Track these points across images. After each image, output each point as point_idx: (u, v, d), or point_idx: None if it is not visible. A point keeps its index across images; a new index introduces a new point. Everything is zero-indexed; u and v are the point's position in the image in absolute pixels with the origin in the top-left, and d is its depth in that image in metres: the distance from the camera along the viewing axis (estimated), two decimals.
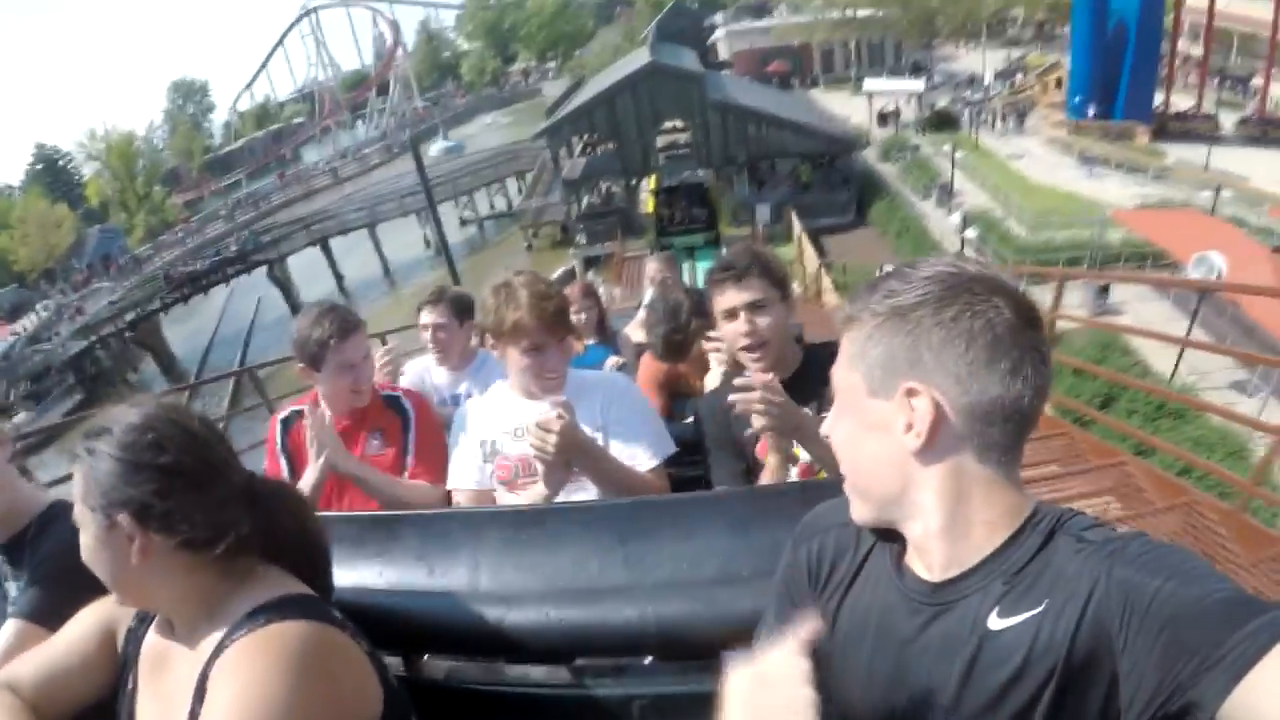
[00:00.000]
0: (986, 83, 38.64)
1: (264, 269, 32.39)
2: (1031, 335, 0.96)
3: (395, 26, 72.95)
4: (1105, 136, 27.98)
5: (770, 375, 1.97)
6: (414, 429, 2.58)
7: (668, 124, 25.86)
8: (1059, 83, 32.71)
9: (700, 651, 1.46)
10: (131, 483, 1.19)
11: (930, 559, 1.00)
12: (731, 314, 2.20)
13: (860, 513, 1.08)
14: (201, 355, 30.95)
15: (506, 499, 2.23)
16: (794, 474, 2.18)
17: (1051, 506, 1.00)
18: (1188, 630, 0.77)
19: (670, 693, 1.48)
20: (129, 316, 31.69)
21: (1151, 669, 0.78)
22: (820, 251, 20.54)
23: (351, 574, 1.53)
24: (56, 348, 30.30)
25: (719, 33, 47.94)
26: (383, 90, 70.04)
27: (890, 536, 1.09)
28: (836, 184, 25.76)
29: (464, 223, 36.16)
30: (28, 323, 35.98)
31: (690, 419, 2.73)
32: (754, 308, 2.18)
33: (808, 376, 2.21)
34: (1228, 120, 29.45)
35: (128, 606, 1.30)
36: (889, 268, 1.11)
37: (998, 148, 29.62)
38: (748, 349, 2.20)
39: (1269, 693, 0.71)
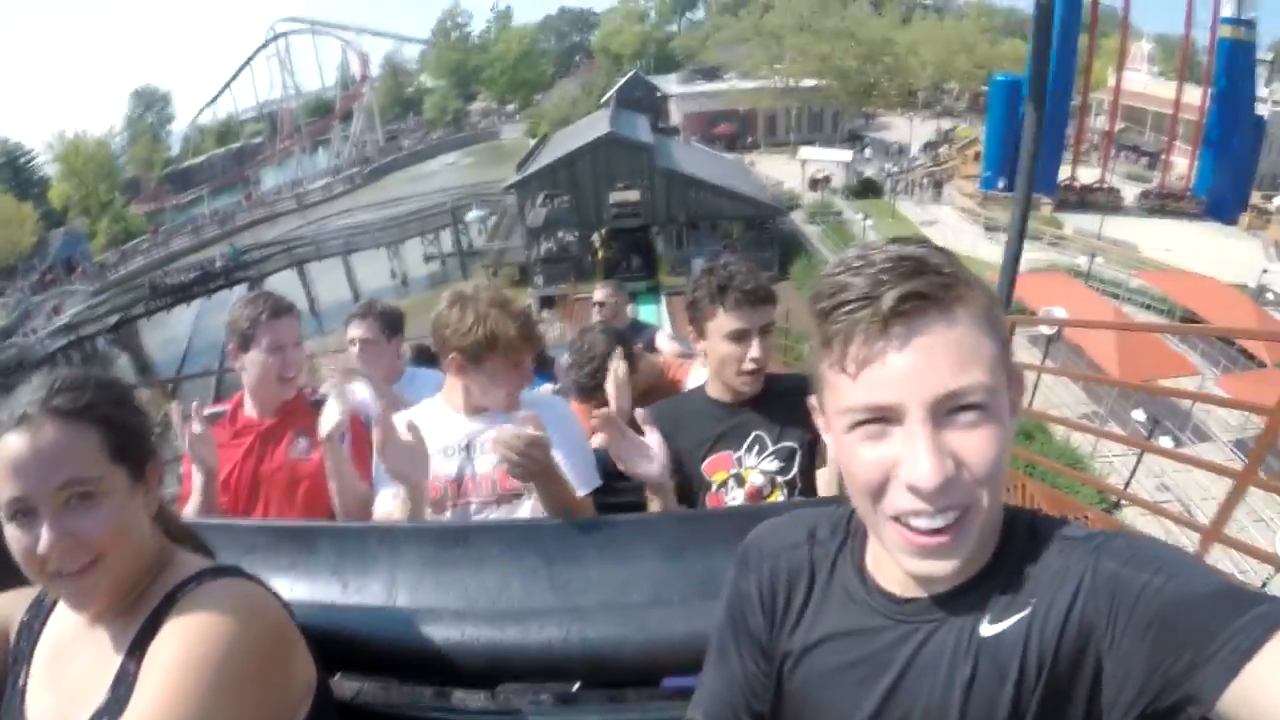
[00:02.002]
0: (912, 154, 43.37)
1: (244, 285, 35.13)
2: None
3: (365, 60, 75.62)
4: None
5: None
6: (349, 441, 2.40)
7: (620, 185, 30.15)
8: (977, 156, 34.69)
9: (629, 678, 1.43)
10: (149, 428, 1.23)
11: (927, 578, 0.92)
12: (743, 335, 2.15)
13: (965, 560, 0.88)
14: (180, 360, 33.56)
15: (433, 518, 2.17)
16: (740, 497, 2.20)
17: (1019, 508, 0.98)
18: (1178, 624, 0.76)
19: None
20: (113, 319, 34.15)
21: (1140, 665, 0.77)
22: None
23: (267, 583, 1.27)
24: (35, 344, 32.17)
25: (672, 96, 52.50)
26: (345, 119, 71.99)
27: (850, 554, 1.04)
28: (764, 243, 29.80)
29: (428, 259, 39.76)
30: None
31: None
32: (765, 332, 2.18)
33: (769, 402, 2.21)
34: (1131, 192, 33.65)
35: (85, 601, 1.16)
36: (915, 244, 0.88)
37: (914, 214, 33.50)
38: (750, 373, 2.17)
39: (1267, 685, 0.69)
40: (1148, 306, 21.80)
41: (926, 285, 0.83)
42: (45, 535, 1.08)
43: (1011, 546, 0.92)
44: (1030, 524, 0.94)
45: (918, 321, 0.82)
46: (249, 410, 2.62)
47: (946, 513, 0.84)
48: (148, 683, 1.04)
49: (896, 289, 0.82)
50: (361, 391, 3.09)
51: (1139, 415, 14.50)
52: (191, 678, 1.02)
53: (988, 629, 0.89)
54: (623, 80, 53.17)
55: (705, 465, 2.24)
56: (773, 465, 2.20)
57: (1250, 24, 31.52)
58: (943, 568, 0.87)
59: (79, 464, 1.11)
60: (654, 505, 2.07)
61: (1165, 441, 13.22)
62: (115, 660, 1.13)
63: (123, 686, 1.10)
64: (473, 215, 34.84)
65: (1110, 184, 34.38)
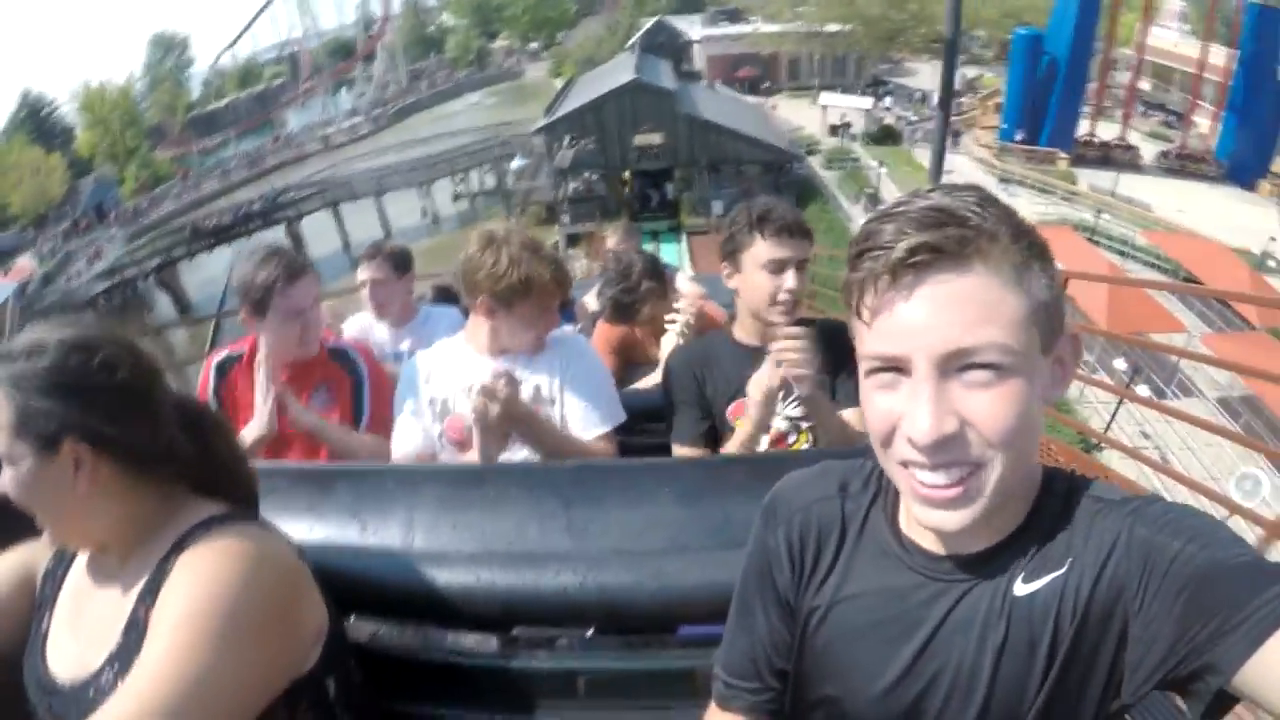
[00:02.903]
0: (933, 103, 42.90)
1: (282, 226, 37.20)
2: None
3: (387, 5, 76.24)
4: (1029, 160, 31.75)
5: (803, 330, 1.94)
6: (368, 391, 2.54)
7: (644, 128, 31.68)
8: (998, 108, 36.08)
9: (645, 625, 1.48)
10: (81, 406, 1.17)
11: (965, 536, 0.92)
12: (779, 266, 2.14)
13: (984, 517, 0.88)
14: (220, 298, 34.64)
15: (459, 461, 2.20)
16: (764, 443, 2.18)
17: (1058, 469, 0.97)
18: (1207, 593, 0.76)
19: (618, 668, 1.46)
20: (154, 262, 36.19)
21: (1167, 631, 0.78)
22: None
23: (279, 528, 1.32)
24: (79, 287, 33.95)
25: (696, 42, 53.00)
26: (367, 59, 72.78)
27: (884, 509, 1.03)
28: (781, 187, 30.59)
29: (456, 198, 41.57)
30: (25, 264, 39.14)
31: (636, 385, 3.04)
32: (801, 266, 2.16)
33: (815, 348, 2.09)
34: (1152, 151, 33.45)
35: (60, 544, 1.29)
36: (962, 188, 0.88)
37: (928, 161, 34.43)
38: (784, 305, 2.16)
39: None
40: (1152, 265, 22.26)
41: (941, 238, 0.82)
42: None
43: (1048, 507, 0.93)
44: (1069, 485, 0.94)
45: (927, 274, 0.82)
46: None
47: (950, 469, 0.84)
48: (155, 635, 1.08)
49: (910, 240, 0.82)
50: (380, 332, 3.35)
51: (1120, 364, 14.92)
52: (198, 629, 1.05)
53: (1021, 588, 0.89)
54: (647, 26, 53.91)
55: (730, 409, 2.24)
56: (797, 411, 2.21)
57: None
58: (952, 520, 0.87)
59: None
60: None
61: (1143, 390, 13.54)
62: (127, 606, 1.17)
63: (133, 632, 1.14)
64: (516, 163, 36.15)
65: (1130, 142, 34.17)
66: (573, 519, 1.57)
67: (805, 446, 2.24)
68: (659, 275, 3.39)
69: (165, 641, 1.06)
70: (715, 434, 2.28)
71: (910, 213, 0.84)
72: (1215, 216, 26.16)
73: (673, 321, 2.97)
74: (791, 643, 1.08)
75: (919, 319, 0.83)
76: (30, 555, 1.35)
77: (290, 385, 2.50)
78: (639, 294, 3.31)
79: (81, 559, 1.31)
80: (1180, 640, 0.77)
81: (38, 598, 1.33)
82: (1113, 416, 12.66)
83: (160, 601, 1.12)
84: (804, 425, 2.24)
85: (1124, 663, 0.84)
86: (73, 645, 1.23)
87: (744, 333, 2.33)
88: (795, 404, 2.22)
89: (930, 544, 0.98)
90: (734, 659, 1.14)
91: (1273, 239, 23.83)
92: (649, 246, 5.08)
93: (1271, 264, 23.16)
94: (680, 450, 2.29)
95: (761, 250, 2.16)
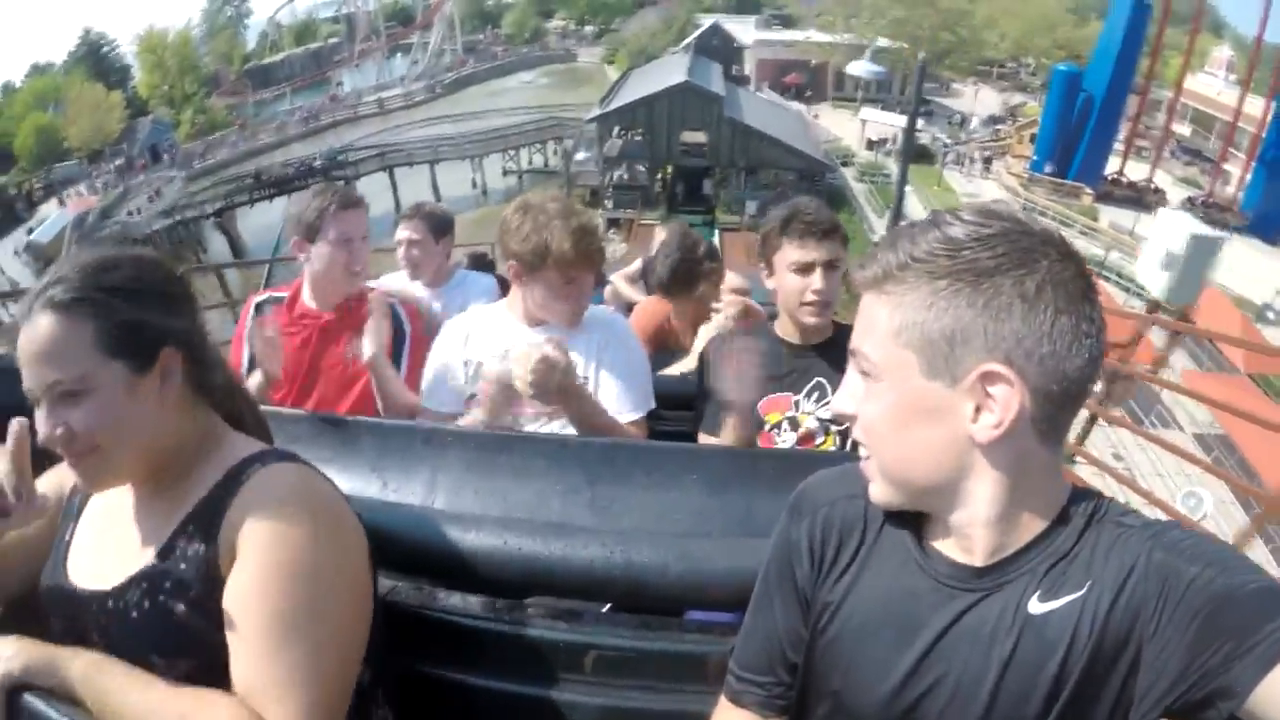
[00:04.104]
0: (973, 126, 44.96)
1: (340, 184, 39.54)
2: (1094, 304, 0.90)
3: None
4: (1055, 192, 33.46)
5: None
6: (408, 346, 2.61)
7: (690, 127, 34.69)
8: (1033, 137, 37.82)
9: (662, 606, 1.51)
10: (173, 313, 1.22)
11: (972, 544, 0.97)
12: (806, 268, 2.21)
13: (887, 498, 1.01)
14: (274, 243, 37.73)
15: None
16: (792, 440, 2.27)
17: (1087, 490, 0.99)
18: (1222, 617, 0.78)
19: (629, 647, 1.44)
20: (217, 204, 38.51)
21: (1180, 655, 0.80)
22: None
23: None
24: (138, 223, 36.03)
25: (747, 47, 55.25)
26: (424, 27, 73.84)
27: (906, 512, 1.04)
28: (813, 193, 30.44)
29: (505, 173, 43.91)
30: (86, 198, 41.44)
31: (666, 371, 3.05)
32: (831, 266, 2.21)
33: (836, 350, 2.20)
34: (1178, 195, 34.73)
35: (114, 483, 1.25)
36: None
37: (960, 185, 35.88)
38: (814, 307, 2.23)
39: None
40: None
41: (859, 267, 0.96)
42: (42, 426, 1.14)
43: (1071, 525, 0.94)
44: (1093, 506, 0.96)
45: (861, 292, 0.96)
46: (308, 300, 2.63)
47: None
48: (264, 592, 1.10)
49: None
50: (415, 292, 3.32)
51: (1096, 386, 15.95)
52: (311, 583, 1.12)
53: (1037, 606, 0.91)
54: (703, 28, 56.20)
55: (763, 404, 2.28)
56: (828, 414, 2.22)
57: None
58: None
59: (64, 362, 1.12)
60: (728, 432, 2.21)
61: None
62: (163, 531, 1.19)
63: (171, 557, 1.16)
64: (581, 155, 37.98)
65: (1158, 185, 35.51)
66: (597, 495, 1.59)
67: (833, 448, 2.26)
68: (717, 260, 3.49)
69: (281, 604, 1.10)
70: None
71: (907, 230, 0.95)
72: (1231, 265, 25.95)
73: (717, 311, 2.93)
74: (804, 639, 1.10)
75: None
76: (61, 472, 1.33)
77: (331, 327, 2.60)
78: (702, 268, 3.38)
79: None
80: (1193, 665, 0.79)
81: (64, 510, 1.33)
82: (1087, 431, 13.39)
83: (246, 551, 1.13)
84: (833, 428, 2.27)
85: (1135, 688, 0.86)
86: (92, 560, 1.25)
87: (784, 330, 2.39)
88: (827, 406, 2.24)
89: (949, 550, 1.00)
90: (748, 653, 1.16)
91: (1279, 291, 25.01)
92: None
93: (1271, 315, 24.44)
94: (709, 439, 2.33)
95: (789, 252, 2.22)
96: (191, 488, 1.22)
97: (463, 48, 75.04)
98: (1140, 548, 0.89)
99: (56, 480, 1.35)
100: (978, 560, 0.97)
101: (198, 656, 1.14)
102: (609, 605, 1.64)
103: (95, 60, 64.53)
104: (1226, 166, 36.53)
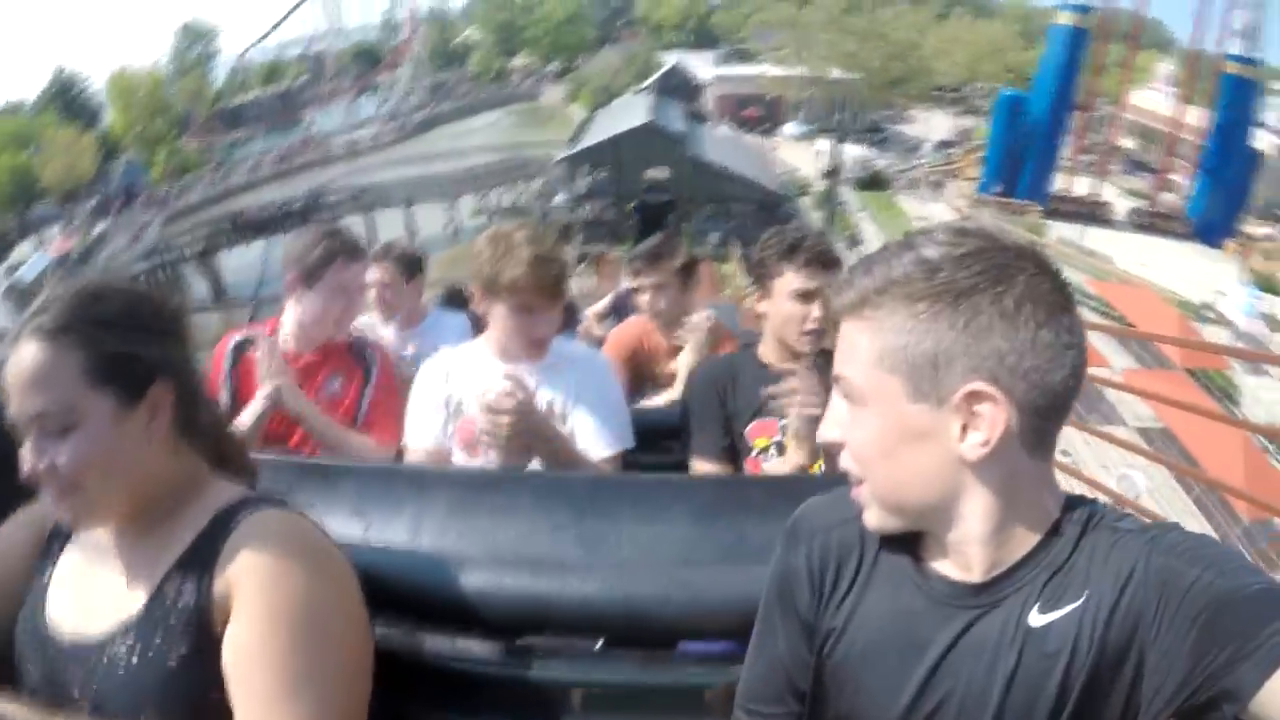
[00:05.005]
0: (925, 151, 46.79)
1: (344, 228, 40.10)
2: (1073, 314, 0.92)
3: (416, 14, 78.62)
4: (1002, 211, 34.01)
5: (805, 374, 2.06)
6: (373, 383, 2.56)
7: (654, 166, 36.94)
8: (982, 160, 39.65)
9: (650, 639, 1.50)
10: (165, 345, 1.19)
11: (968, 561, 0.98)
12: (809, 295, 2.25)
13: (883, 523, 1.02)
14: (255, 285, 36.50)
15: (464, 463, 2.23)
16: (780, 466, 2.26)
17: (1080, 497, 1.01)
18: (1223, 620, 0.79)
19: (618, 682, 1.46)
20: (199, 247, 39.23)
21: (1183, 658, 0.81)
22: (748, 270, 30.54)
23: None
24: (124, 266, 36.13)
25: (707, 85, 57.63)
26: (392, 68, 74.95)
27: (902, 535, 1.05)
28: (772, 223, 33.71)
29: (477, 212, 44.65)
30: (63, 241, 41.93)
31: (644, 402, 3.11)
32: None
33: (821, 374, 2.15)
34: (1125, 207, 36.88)
35: (93, 522, 1.21)
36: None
37: (912, 209, 37.12)
38: (812, 334, 2.27)
39: None
40: (1101, 311, 22.99)
41: (836, 293, 1.01)
42: (27, 459, 1.11)
43: (1065, 534, 0.95)
44: (1087, 514, 0.97)
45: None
46: (287, 341, 2.57)
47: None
48: (266, 647, 1.08)
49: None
50: (385, 334, 3.43)
51: None
52: (312, 631, 1.10)
53: (1037, 618, 0.92)
54: (664, 69, 58.25)
55: (750, 429, 2.31)
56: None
57: (1255, 62, 35.95)
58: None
59: (50, 391, 1.09)
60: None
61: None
62: (150, 578, 1.16)
63: (160, 607, 1.13)
64: (559, 199, 39.37)
65: (1104, 198, 37.53)
66: (584, 531, 1.57)
67: (819, 473, 2.24)
68: (692, 269, 3.48)
69: (280, 655, 1.08)
70: (735, 452, 2.34)
71: (879, 252, 0.99)
72: (1175, 271, 28.54)
73: (690, 334, 3.02)
74: (809, 665, 1.10)
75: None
76: (41, 512, 1.28)
77: (310, 367, 2.55)
78: (664, 249, 3.37)
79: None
80: (1196, 669, 0.80)
81: (43, 549, 1.28)
82: None
83: (244, 607, 1.10)
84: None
85: (1139, 694, 0.86)
86: (73, 603, 1.20)
87: (770, 354, 2.41)
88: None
89: (946, 569, 1.00)
90: (754, 684, 1.17)
91: (1220, 293, 26.05)
92: None
93: (1210, 315, 25.25)
94: (700, 465, 2.36)
95: (791, 280, 2.26)
96: (177, 531, 1.19)
97: (430, 87, 75.90)
98: (1138, 552, 0.90)
99: (36, 518, 1.30)
100: (975, 577, 0.98)
101: (192, 713, 1.11)
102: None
103: (67, 100, 64.84)
104: (1172, 176, 38.39)
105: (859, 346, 0.96)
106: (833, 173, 38.96)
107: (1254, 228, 34.38)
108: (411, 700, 1.47)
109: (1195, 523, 9.61)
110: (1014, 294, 0.89)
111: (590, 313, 4.94)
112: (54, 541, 1.30)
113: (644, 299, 3.41)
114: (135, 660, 1.12)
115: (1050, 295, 0.91)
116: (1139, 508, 5.13)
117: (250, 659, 1.09)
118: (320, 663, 1.11)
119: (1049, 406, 0.92)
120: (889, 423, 0.96)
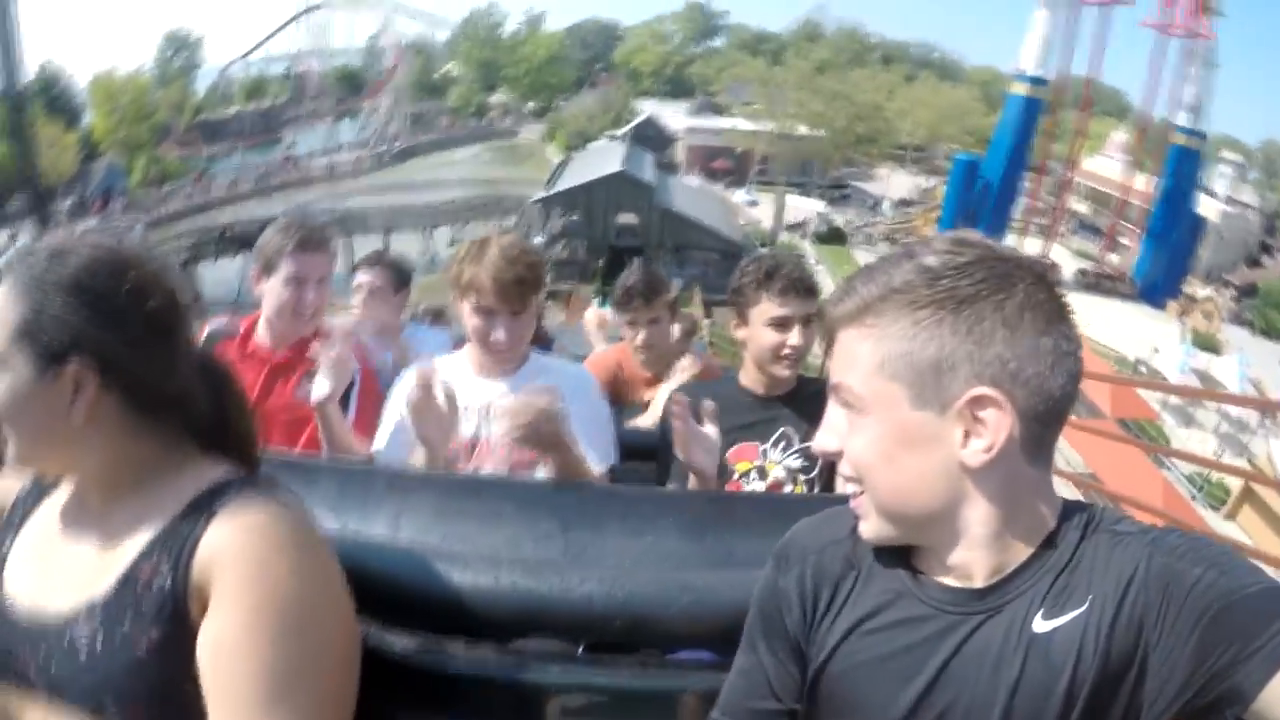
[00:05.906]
0: (884, 209, 49.52)
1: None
2: (1070, 323, 0.94)
3: (400, 44, 79.52)
4: None
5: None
6: (356, 393, 2.48)
7: (624, 212, 39.45)
8: (937, 219, 42.17)
9: (636, 643, 1.50)
10: (100, 324, 1.09)
11: (970, 567, 0.97)
12: (785, 323, 2.28)
13: (881, 533, 1.01)
14: (235, 292, 34.94)
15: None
16: (761, 490, 2.32)
17: (1078, 502, 1.01)
18: (1226, 620, 0.79)
19: (595, 685, 1.44)
20: (184, 256, 40.32)
21: (1186, 659, 0.81)
22: (709, 315, 27.55)
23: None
24: None
25: (679, 138, 60.20)
26: (374, 95, 75.17)
27: (895, 549, 1.04)
28: (734, 270, 37.78)
29: (453, 242, 45.16)
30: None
31: (636, 422, 3.08)
32: (807, 322, 2.28)
33: (801, 400, 2.33)
34: (1071, 268, 38.17)
35: (25, 466, 1.18)
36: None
37: (866, 261, 39.74)
38: (788, 360, 2.31)
39: None
40: None
41: (834, 303, 1.01)
42: None
43: (1065, 539, 0.95)
44: (1086, 518, 0.97)
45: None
46: (262, 337, 2.57)
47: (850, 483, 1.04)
48: (250, 644, 1.03)
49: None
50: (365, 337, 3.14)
51: None
52: (298, 631, 1.06)
53: (1041, 624, 0.91)
54: (639, 120, 60.99)
55: (730, 453, 2.31)
56: (796, 463, 2.33)
57: (1200, 135, 38.62)
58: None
59: None
60: None
61: None
62: (122, 555, 1.10)
63: (131, 588, 1.07)
64: (538, 239, 40.11)
65: (1052, 259, 36.93)
66: (570, 541, 1.55)
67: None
68: (675, 302, 3.61)
69: (259, 664, 1.02)
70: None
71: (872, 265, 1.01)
72: (1117, 329, 29.89)
73: (678, 375, 3.12)
74: (799, 682, 1.09)
75: None
76: (4, 483, 1.26)
77: (284, 365, 2.54)
78: (639, 288, 3.33)
79: (59, 493, 1.22)
80: (1199, 669, 0.80)
81: (5, 519, 1.24)
82: None
83: (224, 600, 1.05)
84: (800, 476, 2.33)
85: (1143, 697, 0.86)
86: (34, 575, 1.16)
87: (750, 380, 2.45)
88: (794, 455, 2.33)
89: (944, 577, 1.00)
90: (733, 701, 1.15)
91: (1155, 350, 27.75)
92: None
93: (1143, 369, 27.01)
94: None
95: (767, 307, 2.29)
96: (151, 510, 1.13)
97: (410, 117, 76.78)
98: (1139, 554, 0.90)
99: (3, 485, 1.27)
100: (977, 582, 0.97)
101: (159, 705, 1.06)
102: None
103: (50, 96, 62.56)
104: (1120, 239, 40.76)
105: (859, 354, 0.97)
106: (790, 227, 41.36)
107: (1196, 289, 36.64)
108: (386, 700, 1.41)
109: None
110: (1015, 301, 0.91)
111: (593, 314, 5.22)
112: (17, 510, 1.25)
113: (638, 333, 3.41)
114: (99, 645, 1.05)
115: (1049, 304, 0.93)
116: None
117: (229, 659, 1.03)
118: (305, 666, 1.06)
119: (1048, 413, 0.93)
120: (890, 430, 0.96)
